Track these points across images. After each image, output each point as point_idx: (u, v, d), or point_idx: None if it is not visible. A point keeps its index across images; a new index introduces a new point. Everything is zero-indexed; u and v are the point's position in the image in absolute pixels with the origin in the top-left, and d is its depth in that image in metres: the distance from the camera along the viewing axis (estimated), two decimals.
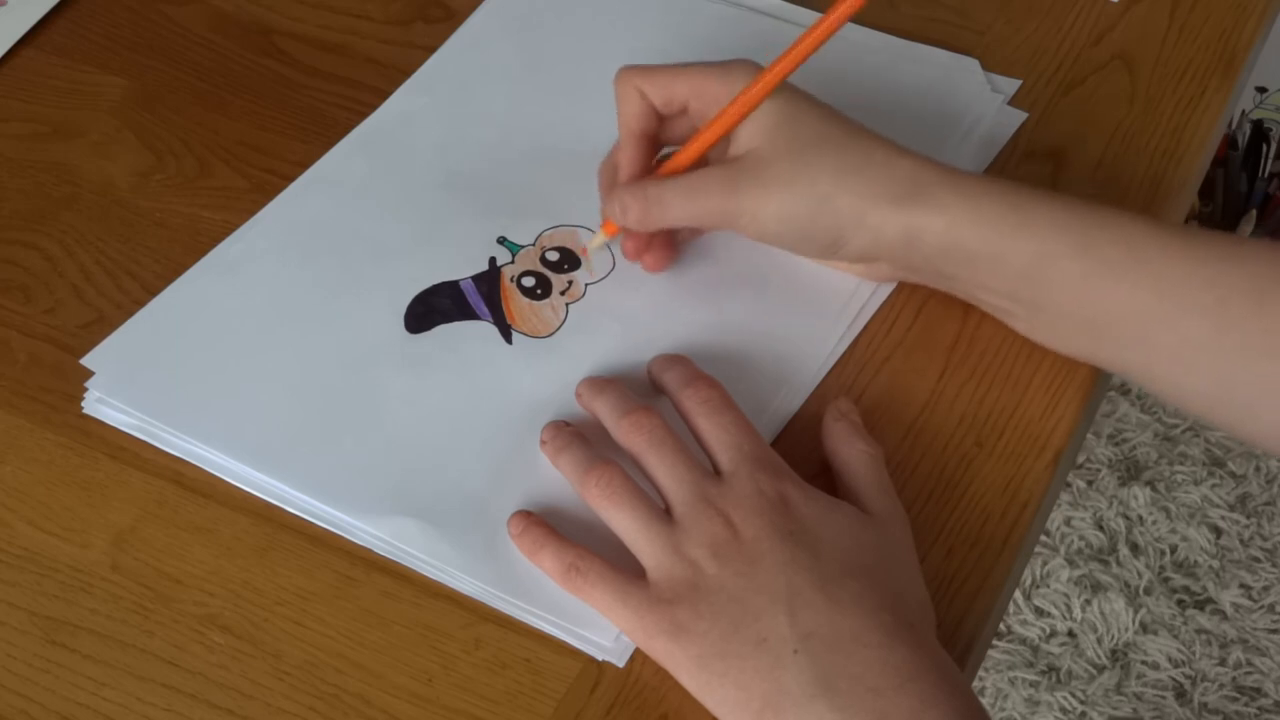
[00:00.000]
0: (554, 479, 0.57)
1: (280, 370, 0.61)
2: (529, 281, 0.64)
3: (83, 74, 0.75)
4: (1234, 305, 0.54)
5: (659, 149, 0.63)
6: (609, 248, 0.65)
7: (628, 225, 0.61)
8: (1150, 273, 0.55)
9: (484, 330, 0.62)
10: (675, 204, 0.60)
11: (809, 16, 0.74)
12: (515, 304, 0.63)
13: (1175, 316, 0.55)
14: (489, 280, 0.64)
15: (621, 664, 0.53)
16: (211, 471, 0.58)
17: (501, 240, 0.66)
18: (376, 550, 0.56)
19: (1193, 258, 0.55)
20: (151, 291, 0.64)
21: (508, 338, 0.62)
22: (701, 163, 0.61)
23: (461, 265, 0.65)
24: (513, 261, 0.65)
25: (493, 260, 0.65)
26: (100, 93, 0.74)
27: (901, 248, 0.58)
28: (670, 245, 0.64)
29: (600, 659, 0.53)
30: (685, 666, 0.51)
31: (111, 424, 0.60)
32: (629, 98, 0.62)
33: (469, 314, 0.63)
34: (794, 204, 0.58)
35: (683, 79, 0.61)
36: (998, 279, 0.58)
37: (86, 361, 0.62)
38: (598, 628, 0.53)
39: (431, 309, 0.63)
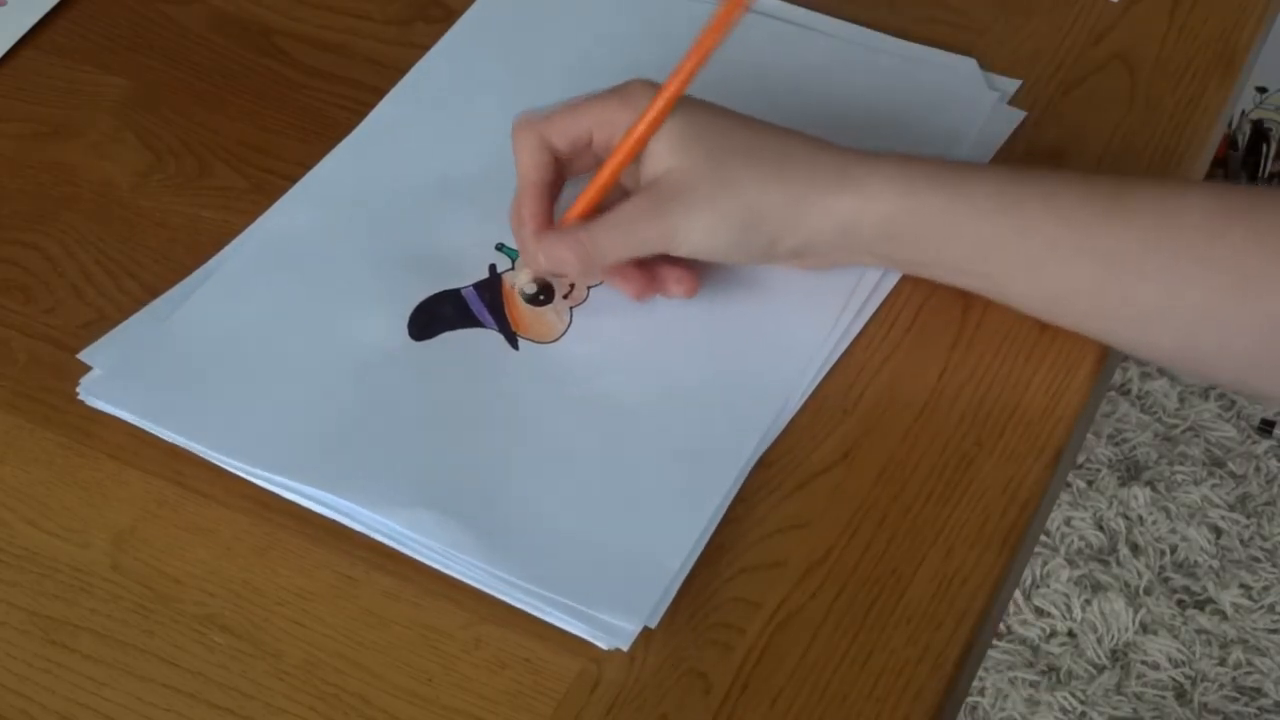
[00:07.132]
0: (557, 480, 0.57)
1: (280, 376, 0.61)
2: (531, 288, 0.64)
3: (83, 74, 0.75)
4: (1182, 269, 0.55)
5: (558, 195, 0.61)
6: None
7: (570, 278, 0.61)
8: (1097, 247, 0.56)
9: (489, 338, 0.62)
10: (609, 243, 0.58)
11: (804, 15, 0.74)
12: (518, 310, 0.63)
13: (1128, 288, 0.56)
14: (490, 287, 0.64)
15: (626, 647, 0.52)
16: (214, 462, 0.58)
17: (500, 247, 0.65)
18: (387, 545, 0.56)
19: (1133, 223, 0.56)
20: (152, 291, 0.64)
21: (514, 344, 0.62)
22: (616, 190, 0.60)
23: (462, 273, 0.64)
24: (513, 267, 0.65)
25: (493, 267, 0.65)
26: (100, 93, 0.74)
27: (838, 239, 0.58)
28: (639, 271, 0.61)
29: (608, 648, 0.53)
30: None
31: (109, 411, 0.60)
32: (529, 147, 0.60)
33: (472, 322, 0.63)
34: (722, 217, 0.57)
35: (583, 114, 0.60)
36: (943, 264, 0.59)
37: (84, 356, 0.61)
38: (618, 610, 0.53)
39: (434, 318, 0.63)
